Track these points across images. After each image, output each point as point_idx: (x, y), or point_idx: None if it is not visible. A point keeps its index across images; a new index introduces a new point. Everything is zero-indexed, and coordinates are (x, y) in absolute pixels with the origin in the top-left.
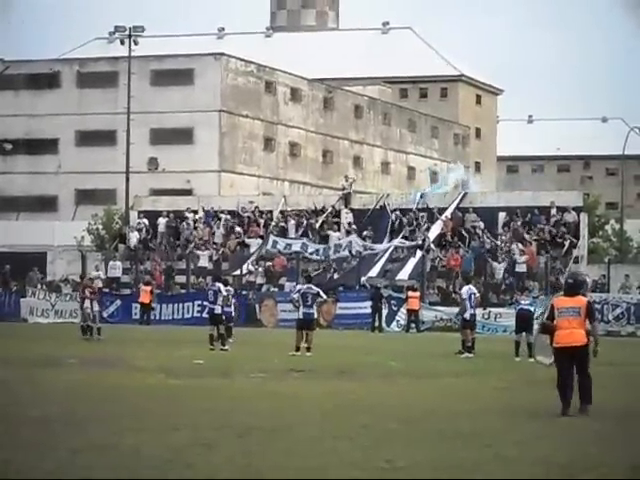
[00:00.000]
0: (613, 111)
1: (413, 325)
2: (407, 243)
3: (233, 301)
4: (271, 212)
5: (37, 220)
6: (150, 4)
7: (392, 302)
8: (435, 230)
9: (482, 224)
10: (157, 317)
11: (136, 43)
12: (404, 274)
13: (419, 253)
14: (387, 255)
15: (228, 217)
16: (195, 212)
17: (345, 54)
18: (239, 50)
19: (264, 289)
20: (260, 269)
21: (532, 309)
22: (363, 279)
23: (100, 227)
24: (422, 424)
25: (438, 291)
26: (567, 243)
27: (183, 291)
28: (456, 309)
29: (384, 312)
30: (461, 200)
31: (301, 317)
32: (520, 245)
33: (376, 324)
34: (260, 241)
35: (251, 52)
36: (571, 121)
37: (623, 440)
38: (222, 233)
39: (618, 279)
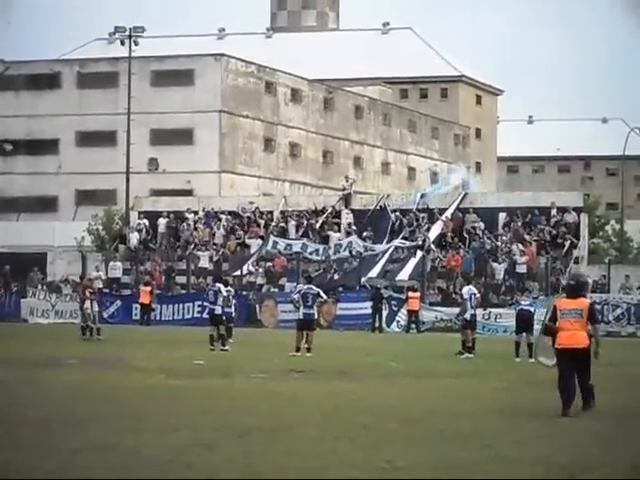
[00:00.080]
0: (613, 112)
1: (413, 326)
2: (407, 243)
3: (233, 302)
4: (271, 213)
5: (37, 221)
6: (150, 4)
7: (392, 303)
8: (435, 230)
9: (482, 224)
10: (157, 318)
11: (136, 44)
12: (404, 275)
13: (419, 254)
14: (387, 256)
15: (228, 218)
16: (195, 213)
17: (345, 55)
18: (239, 51)
19: (264, 289)
20: (260, 269)
21: (532, 309)
22: (363, 280)
23: (100, 228)
24: (422, 424)
25: (438, 292)
26: (567, 244)
27: (183, 292)
28: (456, 310)
29: (384, 313)
30: (461, 201)
31: (301, 317)
32: (520, 246)
33: (376, 325)
34: (260, 242)
35: (251, 53)
36: (571, 121)
37: (624, 440)
38: (222, 234)
39: (618, 280)
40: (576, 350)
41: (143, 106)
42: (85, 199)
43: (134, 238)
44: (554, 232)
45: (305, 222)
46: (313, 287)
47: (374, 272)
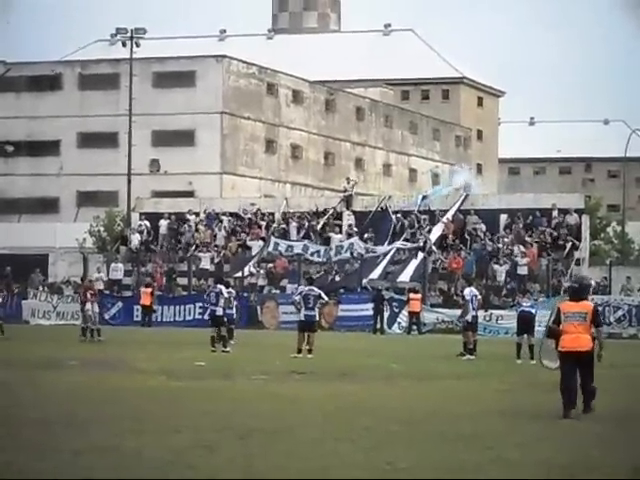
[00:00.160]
0: (615, 113)
1: (414, 327)
2: (409, 245)
3: (235, 303)
4: (273, 214)
5: (39, 222)
6: (152, 6)
7: (394, 304)
8: (436, 232)
9: (483, 226)
10: (158, 319)
11: (138, 45)
12: (405, 276)
13: (420, 255)
14: (389, 257)
15: (230, 219)
16: (197, 214)
17: (347, 56)
18: (241, 52)
19: (266, 291)
20: (262, 271)
21: (533, 311)
22: (364, 281)
23: (102, 229)
24: (423, 426)
25: (440, 293)
26: (569, 245)
27: (184, 293)
28: (457, 311)
29: (386, 314)
30: (462, 202)
31: (303, 319)
32: (521, 247)
33: (378, 326)
34: (262, 243)
35: (253, 54)
36: (573, 123)
37: (624, 442)
38: (224, 235)
39: (619, 281)
40: (579, 353)
41: (144, 107)
42: (86, 200)
43: (135, 239)
44: (555, 234)
45: (306, 224)
46: (314, 289)
47: (375, 274)
